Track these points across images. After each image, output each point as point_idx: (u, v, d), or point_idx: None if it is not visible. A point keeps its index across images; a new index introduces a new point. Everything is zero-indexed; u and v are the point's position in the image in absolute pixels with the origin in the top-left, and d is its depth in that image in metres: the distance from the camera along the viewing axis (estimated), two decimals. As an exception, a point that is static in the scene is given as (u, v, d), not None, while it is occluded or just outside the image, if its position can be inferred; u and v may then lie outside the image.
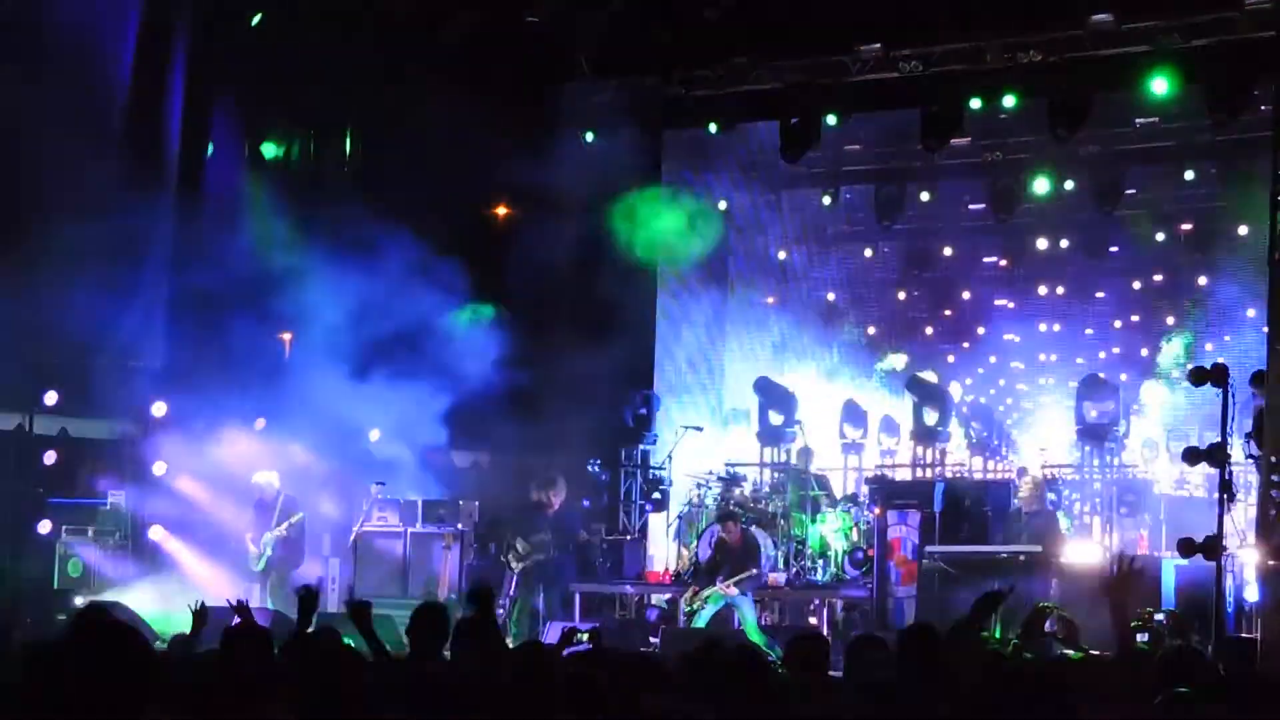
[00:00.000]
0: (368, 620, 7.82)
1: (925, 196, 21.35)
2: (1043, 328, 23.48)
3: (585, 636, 9.40)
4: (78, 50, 15.80)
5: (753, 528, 17.58)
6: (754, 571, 15.98)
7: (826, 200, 22.36)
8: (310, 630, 7.90)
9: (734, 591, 15.85)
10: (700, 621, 15.85)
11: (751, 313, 22.76)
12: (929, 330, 23.68)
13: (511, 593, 16.54)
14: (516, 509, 16.83)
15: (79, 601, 16.08)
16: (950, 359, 23.16)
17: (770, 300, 23.04)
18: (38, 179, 15.46)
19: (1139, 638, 11.69)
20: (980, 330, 23.82)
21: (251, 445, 17.41)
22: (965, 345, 23.62)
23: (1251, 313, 20.55)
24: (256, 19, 16.20)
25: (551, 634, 15.15)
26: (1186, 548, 12.11)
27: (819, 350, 23.20)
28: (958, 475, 18.88)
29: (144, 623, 13.50)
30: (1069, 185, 20.94)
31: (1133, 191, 21.10)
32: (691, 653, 6.49)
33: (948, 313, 23.74)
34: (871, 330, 23.97)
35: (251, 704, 5.81)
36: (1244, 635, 13.52)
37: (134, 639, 4.16)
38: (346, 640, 6.85)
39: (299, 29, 16.72)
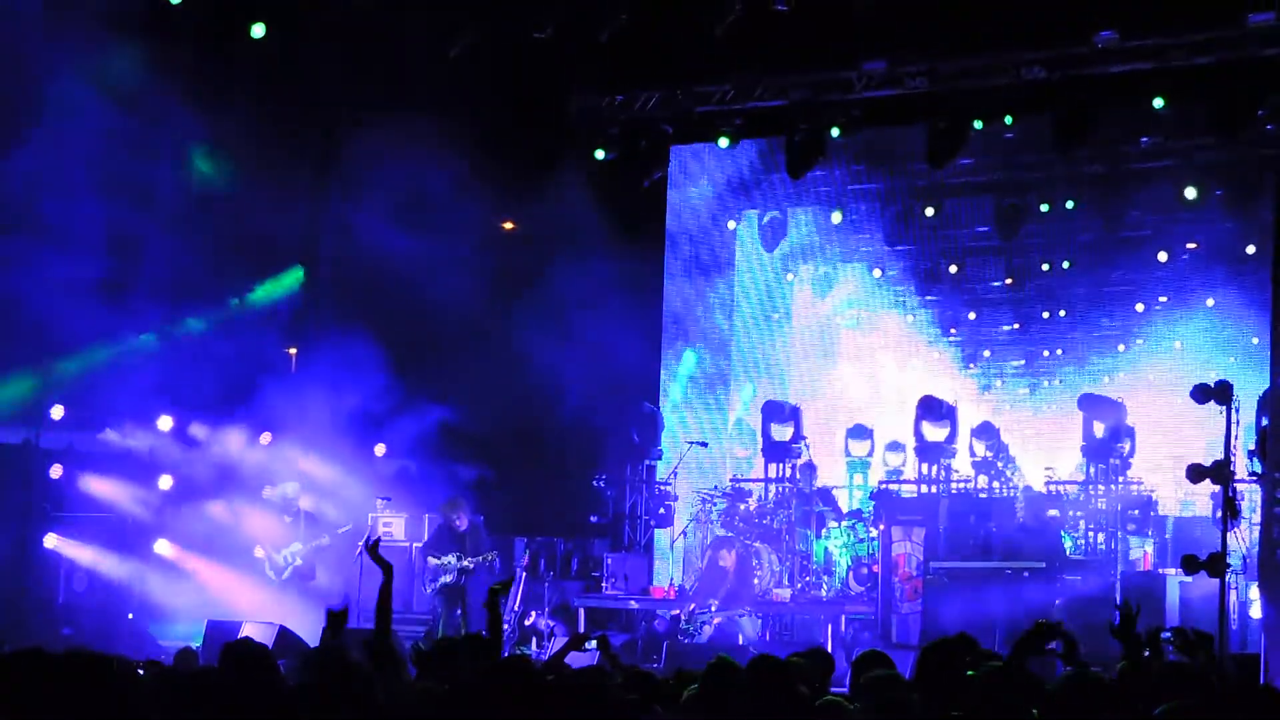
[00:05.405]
0: (343, 627, 7.81)
1: (930, 212, 21.25)
2: (1045, 353, 23.50)
3: (594, 644, 9.39)
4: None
5: (756, 544, 17.67)
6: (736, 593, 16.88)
7: (836, 218, 22.19)
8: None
9: (719, 617, 16.48)
10: (702, 637, 16.22)
11: (760, 328, 22.75)
12: (936, 350, 23.64)
13: (516, 608, 16.61)
14: (432, 531, 16.91)
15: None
16: (958, 377, 23.08)
17: (777, 316, 23.02)
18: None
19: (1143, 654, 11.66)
20: (986, 353, 23.83)
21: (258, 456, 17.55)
22: (971, 366, 23.61)
23: (1255, 340, 20.23)
24: (259, 31, 16.09)
25: (557, 643, 15.22)
26: (1190, 565, 12.11)
27: (827, 365, 23.23)
28: (963, 492, 18.83)
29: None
30: (1071, 205, 20.83)
31: (1137, 212, 21.00)
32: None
33: (954, 331, 23.72)
34: (879, 347, 23.91)
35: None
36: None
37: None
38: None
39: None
